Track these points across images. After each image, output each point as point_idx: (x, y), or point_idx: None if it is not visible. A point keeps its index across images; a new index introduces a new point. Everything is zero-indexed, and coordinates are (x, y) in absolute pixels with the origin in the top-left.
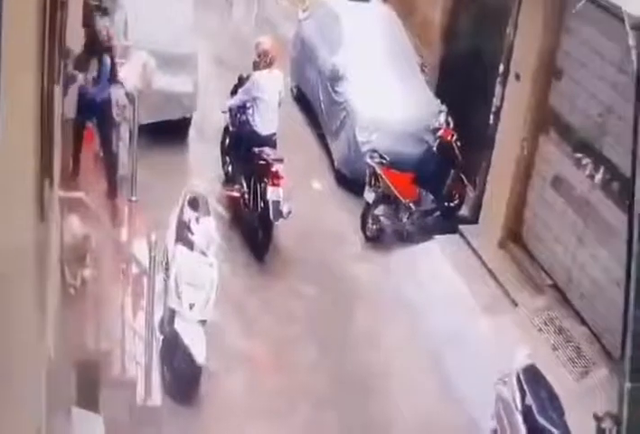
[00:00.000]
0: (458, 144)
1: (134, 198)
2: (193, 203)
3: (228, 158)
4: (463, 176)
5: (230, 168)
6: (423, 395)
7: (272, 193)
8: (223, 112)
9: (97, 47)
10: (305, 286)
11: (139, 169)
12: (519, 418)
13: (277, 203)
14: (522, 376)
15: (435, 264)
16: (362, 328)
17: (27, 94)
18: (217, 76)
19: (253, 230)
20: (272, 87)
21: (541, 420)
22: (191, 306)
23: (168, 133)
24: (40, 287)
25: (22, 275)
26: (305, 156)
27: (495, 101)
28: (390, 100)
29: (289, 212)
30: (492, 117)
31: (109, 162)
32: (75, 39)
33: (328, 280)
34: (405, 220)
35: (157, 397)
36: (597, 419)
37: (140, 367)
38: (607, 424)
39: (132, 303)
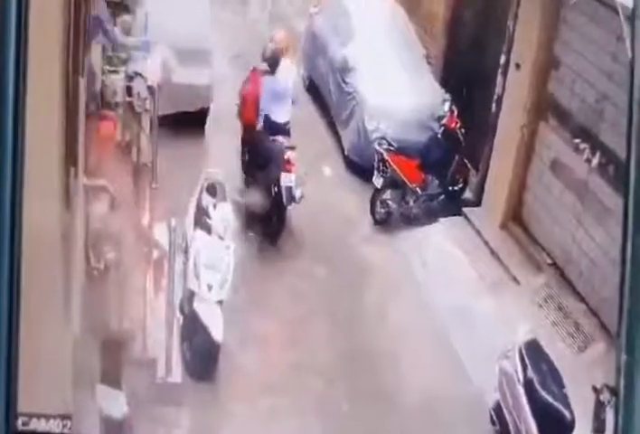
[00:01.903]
0: (462, 131)
1: (154, 185)
2: (211, 190)
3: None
4: (466, 161)
5: (247, 156)
6: (429, 369)
7: (285, 179)
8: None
9: None
10: (317, 267)
11: (159, 158)
12: (521, 390)
13: (289, 189)
14: (523, 350)
15: (440, 245)
16: (372, 306)
17: (52, 85)
18: (232, 69)
19: (267, 214)
20: (286, 77)
21: (542, 393)
22: (209, 288)
23: (187, 123)
24: (66, 270)
25: (49, 259)
26: (316, 144)
27: (497, 90)
28: (398, 90)
29: (301, 197)
30: (494, 105)
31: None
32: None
33: (339, 262)
34: (412, 203)
35: (177, 374)
36: (596, 391)
37: (161, 346)
38: (605, 396)
39: (153, 285)
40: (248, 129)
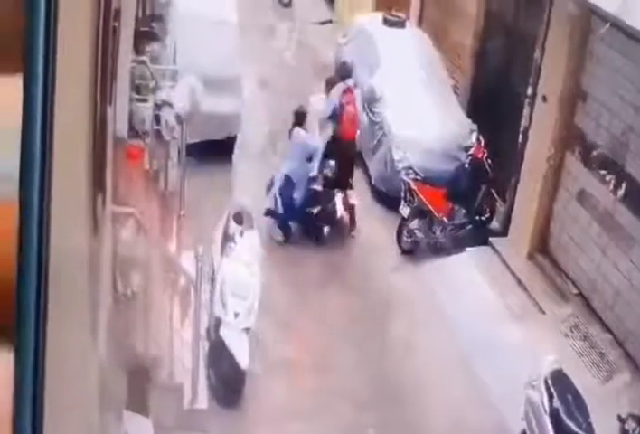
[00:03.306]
0: (489, 161)
1: (182, 213)
2: (238, 218)
3: None
4: (493, 192)
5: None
6: (456, 398)
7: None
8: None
9: None
10: (345, 295)
11: (187, 186)
12: (547, 420)
13: None
14: (549, 380)
15: (467, 274)
16: (399, 334)
17: (81, 113)
18: (260, 98)
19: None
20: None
21: (568, 422)
22: (236, 315)
23: (214, 152)
24: (93, 296)
25: (76, 285)
26: None
27: (524, 121)
28: (425, 120)
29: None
30: (520, 136)
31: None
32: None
33: (366, 290)
34: (438, 233)
35: (204, 400)
36: (621, 420)
37: (187, 372)
38: (630, 425)
39: (180, 311)
40: (344, 144)
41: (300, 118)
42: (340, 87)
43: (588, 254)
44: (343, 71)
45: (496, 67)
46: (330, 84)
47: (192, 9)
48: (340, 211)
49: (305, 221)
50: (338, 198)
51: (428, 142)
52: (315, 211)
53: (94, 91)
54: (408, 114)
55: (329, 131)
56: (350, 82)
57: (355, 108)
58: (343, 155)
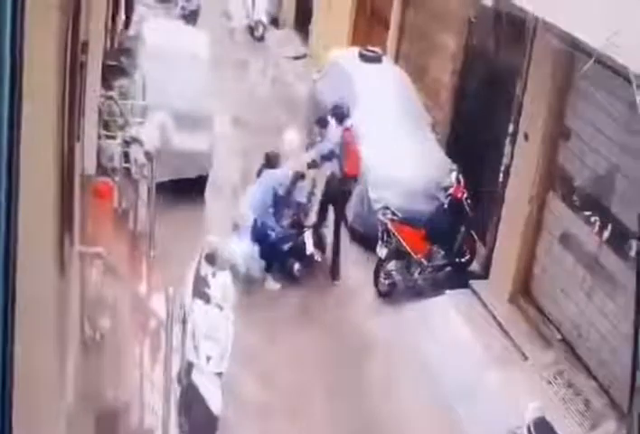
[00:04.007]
0: (469, 201)
1: (152, 253)
2: (210, 258)
3: None
4: (473, 233)
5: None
6: None
7: None
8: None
9: None
10: (321, 338)
11: (157, 225)
12: None
13: None
14: (532, 428)
15: (446, 318)
16: (375, 378)
17: (48, 151)
18: (233, 135)
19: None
20: None
21: None
22: (208, 359)
23: (185, 190)
24: (60, 339)
25: (43, 327)
26: None
27: (505, 160)
28: (403, 159)
29: None
30: (501, 175)
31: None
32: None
33: (343, 332)
34: (417, 275)
35: None
36: None
37: (158, 418)
38: None
39: (150, 355)
40: (347, 180)
41: (272, 162)
42: (338, 128)
43: (573, 298)
44: (341, 113)
45: (476, 104)
46: (321, 123)
47: (162, 43)
48: (310, 248)
49: (276, 257)
50: (308, 235)
51: (405, 181)
52: (286, 247)
53: (61, 128)
54: (385, 152)
55: (328, 169)
56: (348, 123)
57: (357, 146)
58: (342, 191)
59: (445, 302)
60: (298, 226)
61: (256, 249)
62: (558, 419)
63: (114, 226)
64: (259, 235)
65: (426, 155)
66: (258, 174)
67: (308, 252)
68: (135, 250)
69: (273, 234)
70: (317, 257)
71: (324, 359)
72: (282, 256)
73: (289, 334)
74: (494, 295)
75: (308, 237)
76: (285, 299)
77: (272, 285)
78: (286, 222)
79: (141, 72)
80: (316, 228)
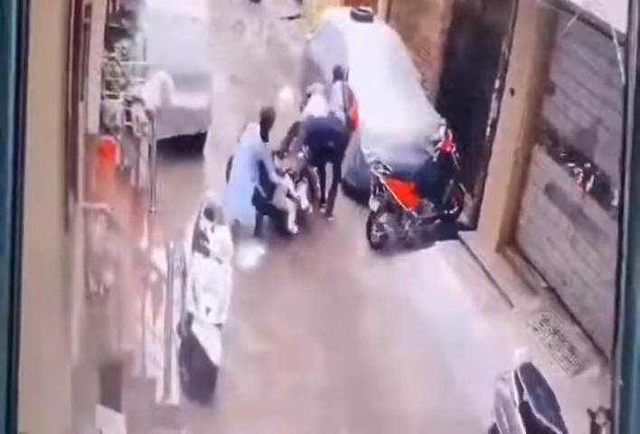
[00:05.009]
0: (457, 155)
1: (153, 209)
2: (209, 213)
3: None
4: (461, 185)
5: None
6: (427, 392)
7: None
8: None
9: None
10: (315, 290)
11: (158, 181)
12: (517, 413)
13: None
14: (519, 374)
15: (436, 268)
16: (369, 328)
17: (52, 110)
18: (230, 93)
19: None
20: None
21: (538, 416)
22: (207, 311)
23: (185, 147)
24: (65, 293)
25: (49, 281)
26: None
27: (492, 115)
28: (393, 114)
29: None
30: (488, 129)
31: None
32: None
33: (336, 285)
34: (407, 227)
35: (176, 396)
36: (591, 414)
37: (160, 368)
38: (600, 419)
39: (152, 308)
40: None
41: (267, 117)
42: (337, 83)
43: (557, 247)
44: (340, 72)
45: (464, 61)
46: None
47: (162, 5)
48: (305, 202)
49: (270, 213)
50: (302, 189)
51: (396, 136)
52: (280, 203)
53: (66, 88)
54: (376, 108)
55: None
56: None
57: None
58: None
59: (435, 253)
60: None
61: (249, 204)
62: (544, 364)
63: (116, 183)
64: (253, 192)
65: (415, 110)
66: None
67: (303, 206)
68: (136, 206)
69: (265, 191)
70: (311, 209)
71: (319, 310)
72: (278, 212)
73: (284, 287)
74: (482, 245)
75: (302, 191)
76: (280, 252)
77: (258, 249)
78: (278, 179)
79: (142, 34)
80: (311, 182)
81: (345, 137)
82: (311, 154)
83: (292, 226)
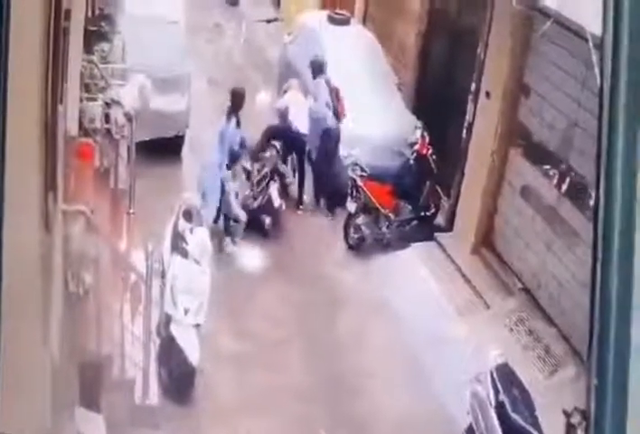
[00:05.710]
0: (434, 157)
1: (132, 210)
2: (187, 215)
3: None
4: (438, 187)
5: None
6: (404, 393)
7: None
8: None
9: None
10: (292, 291)
11: (137, 183)
12: (493, 413)
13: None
14: (495, 374)
15: (412, 270)
16: (346, 330)
17: (32, 113)
18: (208, 95)
19: None
20: None
21: (514, 416)
22: (185, 312)
23: (163, 150)
24: (45, 294)
25: (28, 283)
26: None
27: (468, 117)
28: (370, 117)
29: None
30: (464, 131)
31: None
32: (76, 62)
33: (314, 285)
34: (384, 229)
35: (154, 397)
36: (567, 414)
37: (138, 369)
38: (575, 419)
39: (130, 309)
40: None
41: (237, 99)
42: (320, 79)
43: (533, 248)
44: (319, 66)
45: (440, 64)
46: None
47: (141, 9)
48: (277, 200)
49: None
50: (273, 188)
51: (373, 138)
52: (255, 205)
53: (45, 91)
54: (353, 111)
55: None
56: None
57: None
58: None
59: (411, 254)
60: (265, 181)
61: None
62: (519, 364)
63: (95, 185)
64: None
65: (392, 112)
66: (228, 116)
67: (276, 205)
68: (115, 208)
69: (235, 194)
70: (283, 206)
71: (297, 311)
72: (252, 213)
73: (262, 288)
74: (458, 246)
75: (273, 189)
76: (258, 254)
77: (231, 248)
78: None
79: (121, 37)
80: (282, 179)
81: (335, 132)
82: (284, 149)
83: (268, 226)
